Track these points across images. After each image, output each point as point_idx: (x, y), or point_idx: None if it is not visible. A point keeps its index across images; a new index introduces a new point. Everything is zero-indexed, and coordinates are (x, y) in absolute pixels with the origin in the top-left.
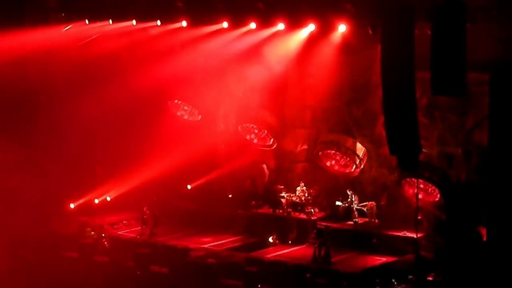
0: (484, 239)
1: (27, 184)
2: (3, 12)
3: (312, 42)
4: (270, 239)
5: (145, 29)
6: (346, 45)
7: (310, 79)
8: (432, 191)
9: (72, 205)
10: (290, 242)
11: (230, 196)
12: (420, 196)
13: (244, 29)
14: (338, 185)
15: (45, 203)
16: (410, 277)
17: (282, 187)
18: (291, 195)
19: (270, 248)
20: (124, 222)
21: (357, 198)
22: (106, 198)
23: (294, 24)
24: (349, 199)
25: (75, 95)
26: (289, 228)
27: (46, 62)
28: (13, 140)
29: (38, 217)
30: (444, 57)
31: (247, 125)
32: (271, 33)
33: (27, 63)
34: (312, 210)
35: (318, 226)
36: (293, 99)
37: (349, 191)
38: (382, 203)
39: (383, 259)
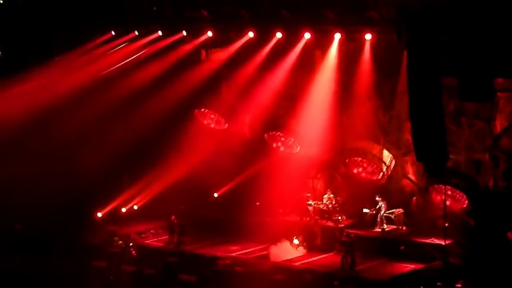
0: None
1: (55, 194)
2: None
3: (338, 49)
4: (296, 241)
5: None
6: (372, 52)
7: (336, 86)
8: (460, 198)
9: (99, 214)
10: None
11: (257, 204)
12: (448, 202)
13: (273, 41)
14: (365, 193)
15: (73, 213)
16: (438, 284)
17: (309, 194)
18: (318, 202)
19: (297, 257)
20: (151, 231)
21: (385, 205)
22: (133, 207)
23: (320, 33)
24: (377, 206)
25: (101, 106)
26: (316, 236)
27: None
28: (41, 151)
29: (67, 227)
30: (470, 62)
31: (274, 133)
32: (297, 41)
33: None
34: (340, 218)
35: (343, 238)
36: (319, 106)
37: (378, 197)
38: (412, 209)
39: (411, 266)
